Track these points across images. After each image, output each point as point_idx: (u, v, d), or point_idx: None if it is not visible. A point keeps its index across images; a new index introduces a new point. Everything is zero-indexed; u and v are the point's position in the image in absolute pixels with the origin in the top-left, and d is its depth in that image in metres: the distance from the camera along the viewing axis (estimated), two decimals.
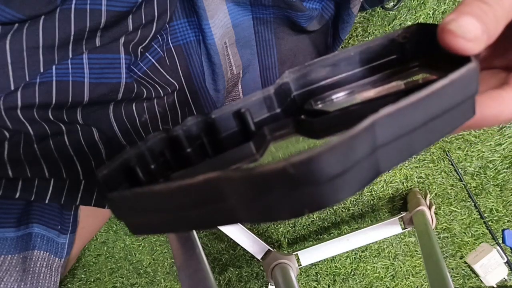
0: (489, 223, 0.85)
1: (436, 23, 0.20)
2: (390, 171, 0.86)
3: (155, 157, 0.20)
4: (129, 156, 0.19)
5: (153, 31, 0.37)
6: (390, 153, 0.14)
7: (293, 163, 0.12)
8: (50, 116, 0.34)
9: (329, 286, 0.92)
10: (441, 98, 0.15)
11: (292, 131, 0.21)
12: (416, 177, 0.85)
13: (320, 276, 0.92)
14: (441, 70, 0.19)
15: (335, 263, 0.91)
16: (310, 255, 0.81)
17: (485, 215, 0.85)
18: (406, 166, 0.85)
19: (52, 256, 0.44)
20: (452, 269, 0.88)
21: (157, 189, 0.15)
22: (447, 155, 0.83)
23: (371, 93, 0.21)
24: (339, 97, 0.21)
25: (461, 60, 0.17)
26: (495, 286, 0.86)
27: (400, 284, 0.90)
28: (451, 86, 0.15)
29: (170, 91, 0.42)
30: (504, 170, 0.83)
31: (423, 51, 0.20)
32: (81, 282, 0.96)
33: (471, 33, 0.17)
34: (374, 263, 0.90)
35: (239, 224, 0.78)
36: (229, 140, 0.21)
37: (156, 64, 0.41)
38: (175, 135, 0.20)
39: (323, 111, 0.20)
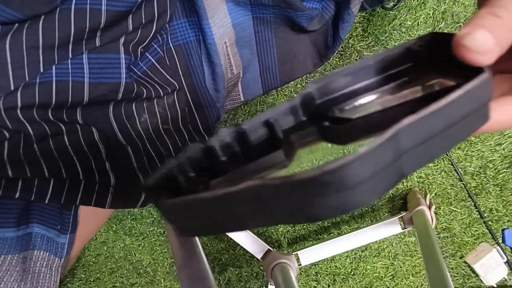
0: (489, 223, 0.85)
1: (448, 32, 0.21)
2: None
3: (193, 166, 0.22)
4: (171, 166, 0.21)
5: (153, 31, 0.37)
6: (413, 158, 0.16)
7: (327, 171, 0.13)
8: (50, 116, 0.34)
9: (329, 286, 0.92)
10: (457, 107, 0.16)
11: (318, 137, 0.23)
12: (416, 177, 0.85)
13: (320, 276, 0.92)
14: (456, 76, 0.20)
15: (335, 263, 0.91)
16: (310, 255, 0.81)
17: (485, 215, 0.85)
18: None
19: (52, 256, 0.44)
20: (452, 269, 0.88)
21: (203, 196, 0.17)
22: (447, 155, 0.83)
23: (390, 100, 0.22)
24: (361, 104, 0.23)
25: (475, 68, 0.18)
26: (495, 286, 0.86)
27: (400, 284, 0.90)
28: (466, 96, 0.16)
29: (170, 91, 0.42)
30: (504, 170, 0.83)
31: (438, 58, 0.21)
32: (81, 282, 0.96)
33: (484, 46, 0.18)
34: (374, 263, 0.90)
35: None
36: (260, 148, 0.23)
37: (156, 64, 0.41)
38: (211, 145, 0.22)
39: (346, 118, 0.22)
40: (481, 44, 0.18)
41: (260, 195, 0.15)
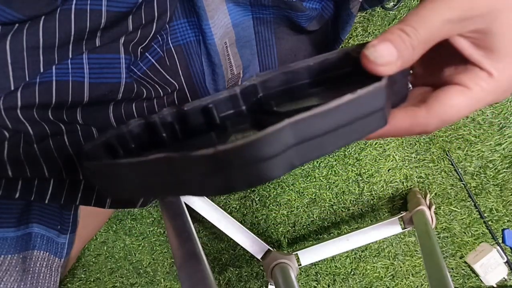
0: (489, 223, 0.85)
1: None
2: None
3: (134, 139, 0.24)
4: (112, 135, 0.23)
5: (153, 31, 0.37)
6: (303, 151, 0.17)
7: (220, 150, 0.15)
8: (50, 116, 0.34)
9: (329, 286, 0.92)
10: (349, 109, 0.17)
11: (250, 126, 0.25)
12: (416, 177, 0.85)
13: (320, 276, 0.92)
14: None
15: (335, 263, 0.91)
16: (310, 255, 0.81)
17: (485, 215, 0.85)
18: (406, 166, 0.85)
19: (52, 256, 0.44)
20: (452, 269, 0.88)
21: (121, 162, 0.18)
22: (447, 155, 0.83)
23: (324, 99, 0.23)
24: (295, 100, 0.24)
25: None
26: (495, 286, 0.86)
27: (400, 284, 0.90)
28: (358, 100, 0.17)
29: (170, 91, 0.42)
30: (504, 170, 0.83)
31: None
32: (81, 282, 0.96)
33: (384, 59, 0.20)
34: (374, 263, 0.90)
35: (239, 223, 0.78)
36: (197, 129, 0.25)
37: (156, 64, 0.41)
38: (153, 121, 0.24)
39: (277, 112, 0.23)
40: (381, 56, 0.20)
41: (167, 166, 0.17)
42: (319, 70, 0.24)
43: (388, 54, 0.20)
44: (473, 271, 0.87)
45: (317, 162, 0.87)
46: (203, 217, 0.80)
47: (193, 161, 0.16)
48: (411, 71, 0.26)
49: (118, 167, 0.19)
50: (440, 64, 0.24)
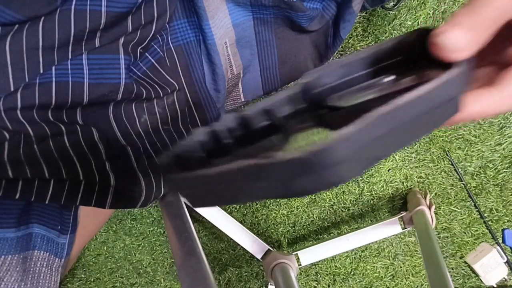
0: (489, 223, 0.85)
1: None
2: (390, 170, 0.86)
3: (200, 147, 0.25)
4: (181, 147, 0.24)
5: (153, 31, 0.37)
6: (386, 144, 0.17)
7: (310, 151, 0.15)
8: (50, 117, 0.34)
9: (329, 286, 0.92)
10: (427, 99, 0.17)
11: (313, 124, 0.25)
12: (416, 177, 0.85)
13: (320, 276, 0.92)
14: (443, 67, 0.21)
15: (335, 263, 0.91)
16: (310, 255, 0.81)
17: (485, 215, 0.85)
18: (406, 166, 0.85)
19: (52, 256, 0.44)
20: (452, 269, 0.88)
21: (203, 173, 0.19)
22: (447, 155, 0.83)
23: (381, 90, 0.24)
24: (355, 93, 0.25)
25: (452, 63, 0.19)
26: (495, 285, 0.86)
27: (400, 284, 0.90)
28: (436, 89, 0.17)
29: (169, 91, 0.42)
30: (504, 170, 0.83)
31: (427, 51, 0.23)
32: (81, 282, 0.96)
33: (456, 45, 0.19)
34: (374, 263, 0.90)
35: (239, 223, 0.78)
36: (260, 132, 0.25)
37: (156, 64, 0.41)
38: (216, 128, 0.25)
39: (339, 107, 0.23)
40: (453, 42, 0.19)
41: (251, 173, 0.17)
42: (371, 61, 0.24)
43: (460, 40, 0.19)
44: (473, 271, 0.87)
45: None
46: (203, 217, 0.80)
47: (280, 165, 0.16)
48: None
49: (199, 177, 0.20)
50: (505, 42, 0.23)
